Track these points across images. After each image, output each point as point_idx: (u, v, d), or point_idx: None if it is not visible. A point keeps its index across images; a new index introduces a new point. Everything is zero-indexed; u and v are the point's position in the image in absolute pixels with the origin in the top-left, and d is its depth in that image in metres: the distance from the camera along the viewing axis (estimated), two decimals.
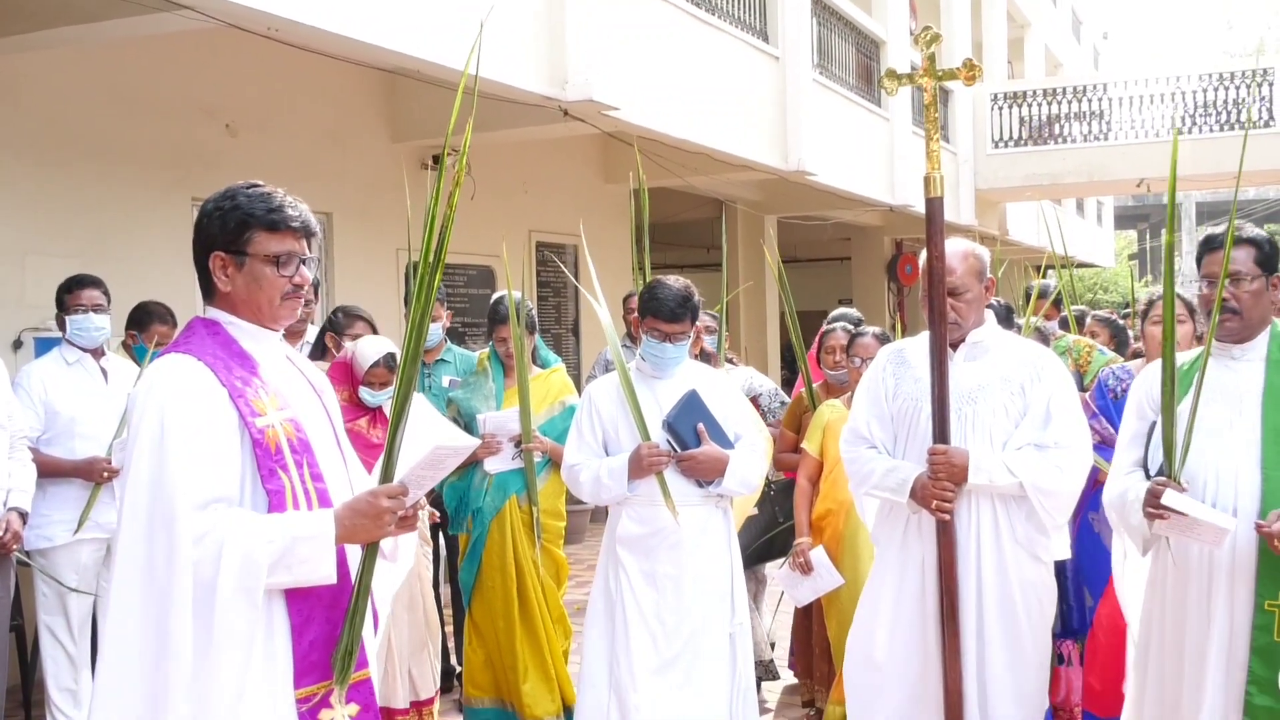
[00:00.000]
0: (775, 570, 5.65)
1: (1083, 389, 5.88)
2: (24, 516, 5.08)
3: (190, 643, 2.49)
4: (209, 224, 2.75)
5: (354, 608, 2.69)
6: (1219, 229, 3.67)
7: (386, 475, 2.71)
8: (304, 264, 2.80)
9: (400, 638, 5.24)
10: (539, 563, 5.55)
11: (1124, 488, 3.67)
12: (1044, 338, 6.24)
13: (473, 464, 5.56)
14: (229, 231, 2.73)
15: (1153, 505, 3.41)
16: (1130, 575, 4.02)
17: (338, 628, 2.70)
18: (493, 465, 5.53)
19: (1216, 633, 3.45)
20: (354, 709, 2.73)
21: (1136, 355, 5.73)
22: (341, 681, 2.69)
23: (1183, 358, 3.72)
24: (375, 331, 5.72)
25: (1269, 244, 3.61)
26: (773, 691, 6.37)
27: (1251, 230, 3.65)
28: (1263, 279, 3.59)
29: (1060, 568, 4.17)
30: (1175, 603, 3.57)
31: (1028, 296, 6.84)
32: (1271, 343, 3.60)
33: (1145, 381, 3.79)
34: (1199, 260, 3.70)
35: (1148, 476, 3.61)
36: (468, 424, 5.65)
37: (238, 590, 2.51)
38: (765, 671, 6.17)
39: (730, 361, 6.54)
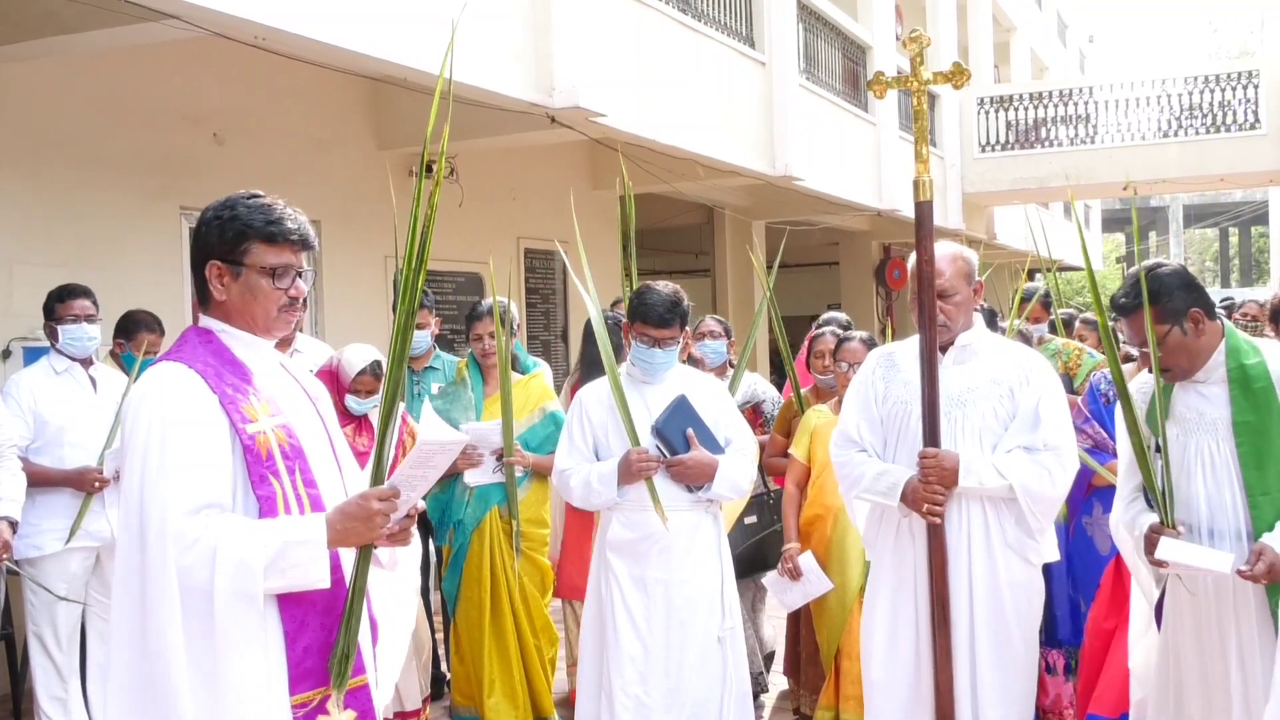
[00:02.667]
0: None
1: (1072, 392, 5.89)
2: (13, 525, 5.07)
3: (182, 649, 2.50)
4: (207, 232, 2.76)
5: (349, 612, 2.68)
6: (1121, 289, 3.63)
7: (377, 479, 2.71)
8: (300, 277, 2.80)
9: None
10: (519, 573, 5.54)
11: (1130, 518, 3.71)
12: (1026, 340, 6.25)
13: (454, 476, 5.55)
14: (227, 241, 2.73)
15: (1150, 556, 3.47)
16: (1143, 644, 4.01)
17: (332, 634, 2.69)
18: (473, 478, 5.52)
19: (1234, 652, 3.48)
20: (351, 715, 2.73)
21: (1129, 359, 5.73)
22: (339, 686, 2.69)
23: (1146, 379, 3.72)
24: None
25: (1166, 289, 3.53)
26: (767, 696, 6.36)
27: (1137, 286, 3.53)
28: (1175, 327, 3.53)
29: (1046, 573, 4.17)
30: (1190, 623, 3.61)
31: (1022, 303, 6.86)
32: (1229, 358, 3.57)
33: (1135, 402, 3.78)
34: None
35: (1149, 504, 3.64)
36: None
37: (235, 595, 2.52)
38: (754, 684, 6.08)
39: (732, 365, 6.52)
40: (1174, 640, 3.69)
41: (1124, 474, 3.83)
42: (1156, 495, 3.52)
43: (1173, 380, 3.61)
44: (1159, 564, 3.47)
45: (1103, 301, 3.83)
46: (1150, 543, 3.47)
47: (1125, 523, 3.74)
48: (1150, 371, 3.61)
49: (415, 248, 2.72)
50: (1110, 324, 3.87)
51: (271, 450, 2.67)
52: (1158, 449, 3.60)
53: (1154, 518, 3.55)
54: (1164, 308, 3.53)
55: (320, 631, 2.68)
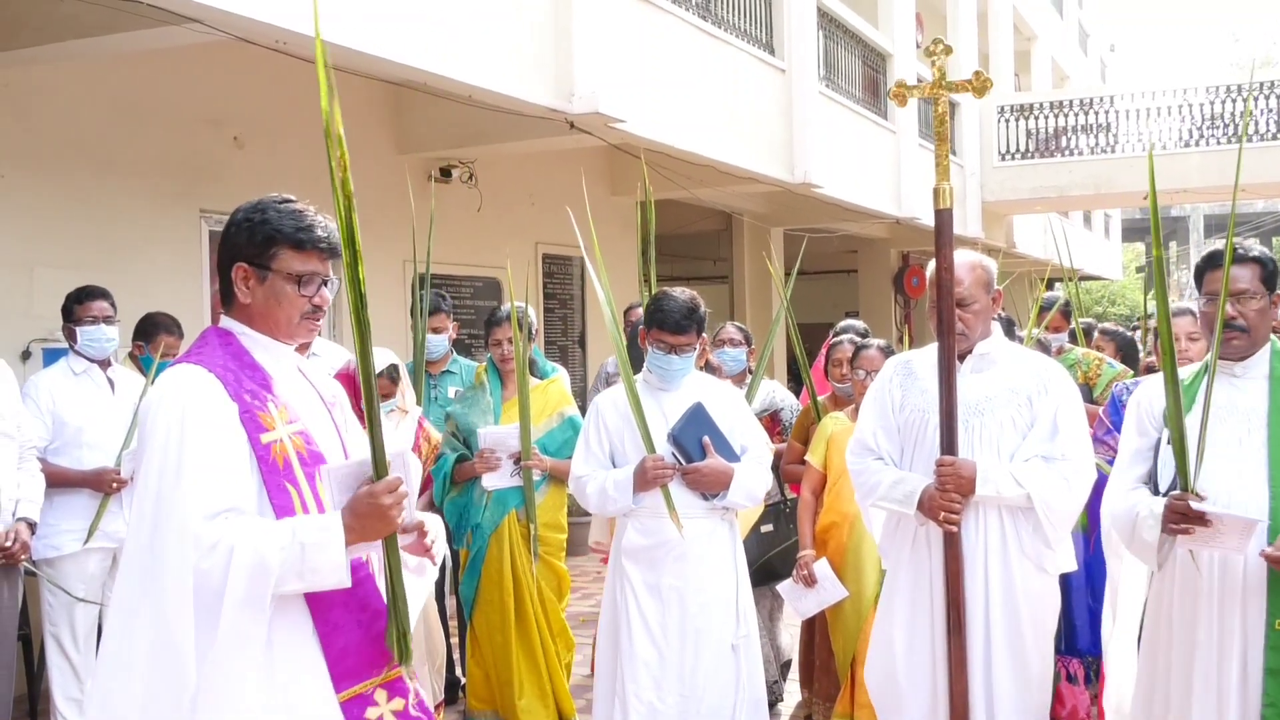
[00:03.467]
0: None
1: (1091, 402, 5.86)
2: (32, 526, 5.09)
3: (194, 652, 2.49)
4: (237, 233, 2.75)
5: (393, 594, 2.67)
6: (1222, 245, 3.64)
7: (379, 471, 2.67)
8: (325, 285, 2.79)
9: None
10: (538, 577, 5.54)
11: (1131, 504, 3.64)
12: (1044, 349, 6.23)
13: (472, 479, 5.56)
14: (255, 244, 2.72)
15: (1177, 519, 3.38)
16: (1125, 604, 3.99)
17: (370, 629, 2.70)
18: (491, 482, 5.51)
19: (1236, 654, 3.43)
20: (400, 703, 2.73)
21: (1150, 370, 5.71)
22: (405, 660, 2.71)
23: (1183, 373, 3.72)
24: None
25: (1272, 262, 3.61)
26: (783, 705, 6.34)
27: (1255, 248, 3.63)
28: (1267, 297, 3.58)
29: (1065, 583, 4.15)
30: (1184, 625, 3.55)
31: (1042, 312, 6.83)
32: (1273, 359, 3.59)
33: (1145, 397, 3.78)
34: (1199, 276, 3.67)
35: (1156, 493, 3.60)
36: (466, 439, 5.64)
37: (247, 598, 2.51)
38: (769, 693, 6.01)
39: (751, 372, 6.50)
40: (1162, 641, 3.63)
41: (1123, 465, 3.78)
42: (1182, 466, 3.43)
43: (1235, 352, 3.58)
44: (1183, 530, 3.38)
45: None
46: (1177, 508, 3.37)
47: (1124, 508, 3.66)
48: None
49: (345, 227, 2.63)
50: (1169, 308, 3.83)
51: (289, 458, 2.66)
52: (1169, 441, 3.58)
53: (1161, 502, 3.49)
54: (1267, 272, 3.58)
55: (356, 629, 2.68)
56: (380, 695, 2.70)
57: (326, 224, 2.79)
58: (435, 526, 2.93)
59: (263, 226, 2.72)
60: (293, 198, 2.79)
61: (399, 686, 2.75)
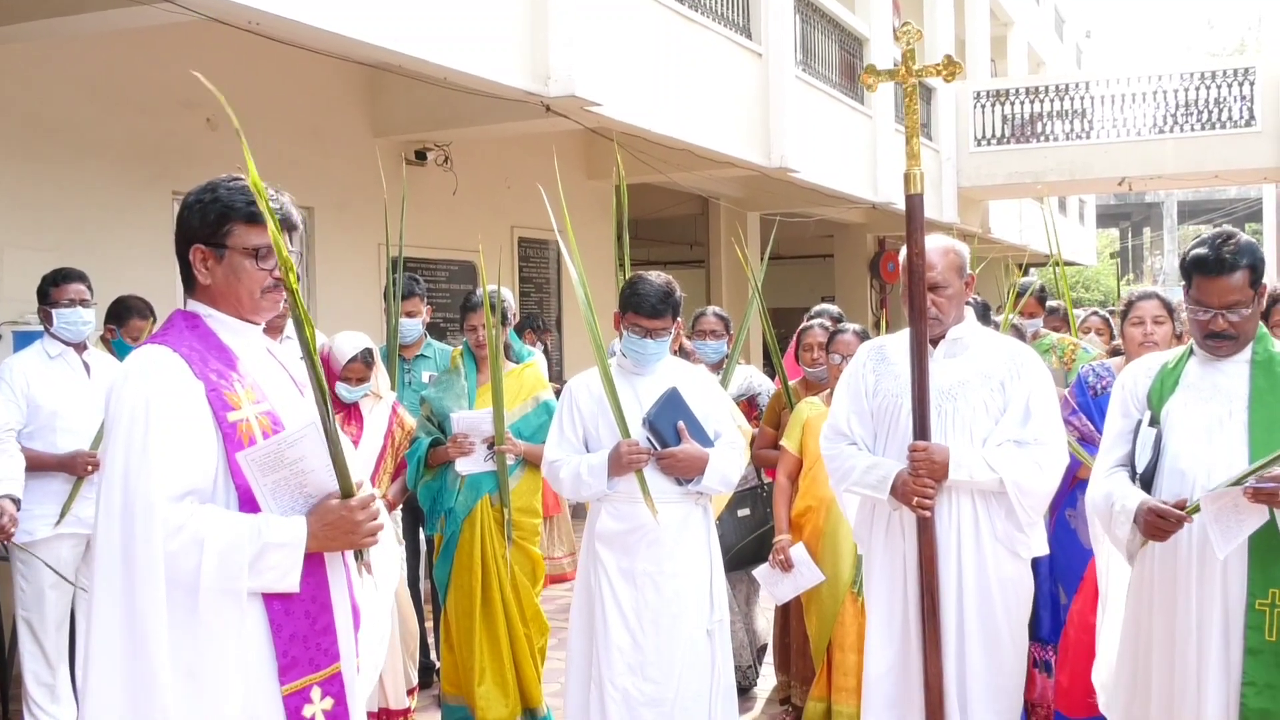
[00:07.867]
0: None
1: (1066, 386, 5.89)
2: (16, 503, 5.06)
3: (165, 634, 2.49)
4: (189, 216, 2.74)
5: None
6: (1205, 248, 3.51)
7: (344, 486, 2.68)
8: None
9: None
10: (510, 561, 5.53)
11: (1108, 491, 3.65)
12: (1021, 335, 6.25)
13: (446, 464, 5.54)
14: (209, 224, 2.72)
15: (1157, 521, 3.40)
16: (1115, 582, 4.00)
17: (316, 620, 2.69)
18: (464, 466, 5.49)
19: (1216, 634, 3.44)
20: (329, 703, 2.72)
21: (1116, 353, 5.73)
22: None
23: (1165, 357, 3.74)
24: None
25: (1261, 260, 3.52)
26: (758, 689, 6.36)
27: (1243, 244, 3.51)
28: (1255, 300, 3.52)
29: (1034, 567, 4.16)
30: (1165, 605, 3.56)
31: (1018, 297, 6.84)
32: (1256, 344, 3.58)
33: (1129, 380, 3.78)
34: (1188, 274, 3.56)
35: (1133, 474, 3.63)
36: (440, 423, 5.63)
37: (219, 590, 2.51)
38: (741, 677, 6.02)
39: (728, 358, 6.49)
40: (1144, 621, 3.65)
41: (1106, 446, 3.79)
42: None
43: (1225, 353, 3.56)
44: (1158, 535, 3.41)
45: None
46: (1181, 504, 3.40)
47: (1102, 495, 3.67)
48: (1200, 339, 3.58)
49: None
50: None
51: (255, 438, 2.64)
52: (1151, 422, 3.60)
53: (1139, 493, 3.52)
54: (1256, 272, 3.50)
55: (304, 619, 2.68)
56: (315, 693, 2.70)
57: (278, 196, 2.78)
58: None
59: (214, 205, 2.72)
60: (241, 176, 2.79)
61: (334, 684, 2.74)
